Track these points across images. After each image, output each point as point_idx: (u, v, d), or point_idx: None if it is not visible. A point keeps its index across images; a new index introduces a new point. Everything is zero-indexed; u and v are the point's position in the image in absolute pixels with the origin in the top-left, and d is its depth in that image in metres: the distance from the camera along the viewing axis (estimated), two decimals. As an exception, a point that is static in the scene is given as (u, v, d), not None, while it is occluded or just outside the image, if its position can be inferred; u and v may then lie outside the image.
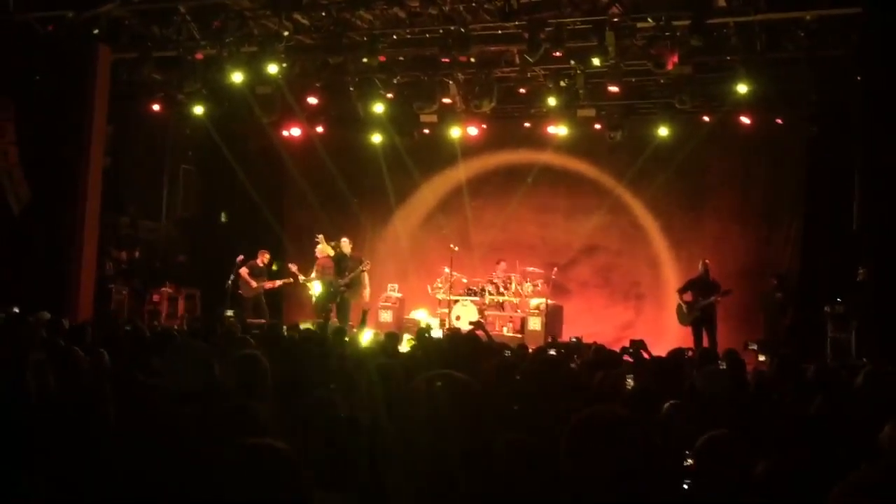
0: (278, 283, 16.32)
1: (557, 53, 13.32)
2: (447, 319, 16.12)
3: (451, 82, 15.38)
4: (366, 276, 15.54)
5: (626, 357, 8.73)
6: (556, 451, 2.31)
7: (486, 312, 16.17)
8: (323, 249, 15.84)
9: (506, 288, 16.49)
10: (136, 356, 5.64)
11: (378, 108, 15.85)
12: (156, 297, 16.90)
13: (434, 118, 16.59)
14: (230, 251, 16.30)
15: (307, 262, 16.12)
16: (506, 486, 1.96)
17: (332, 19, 13.42)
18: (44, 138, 13.98)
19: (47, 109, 13.97)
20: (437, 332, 11.19)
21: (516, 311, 16.43)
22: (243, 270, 15.90)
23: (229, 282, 15.52)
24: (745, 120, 15.47)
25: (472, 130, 17.44)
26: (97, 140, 14.35)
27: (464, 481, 1.64)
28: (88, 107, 14.08)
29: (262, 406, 3.96)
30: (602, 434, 2.42)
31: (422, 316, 16.58)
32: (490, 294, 16.43)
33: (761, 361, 11.54)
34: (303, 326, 12.03)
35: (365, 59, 14.23)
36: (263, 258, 16.28)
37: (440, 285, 16.73)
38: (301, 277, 15.92)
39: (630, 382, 6.68)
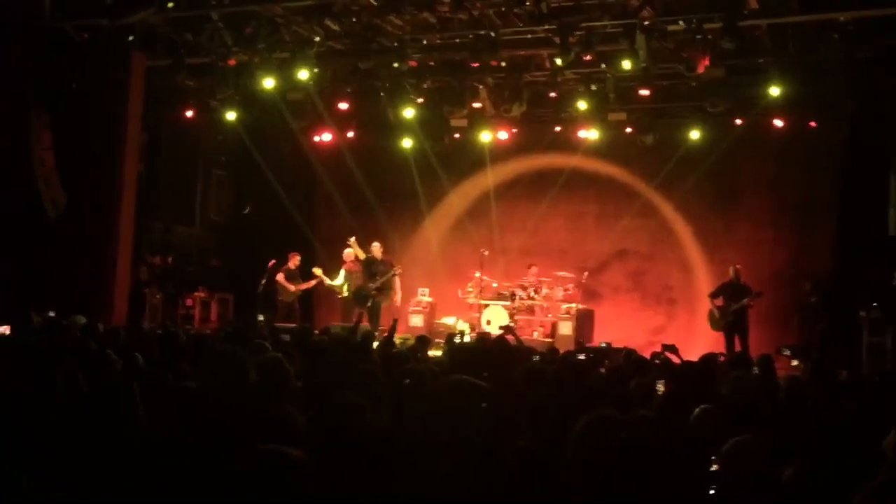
0: (312, 282, 16.37)
1: (588, 57, 13.27)
2: (477, 324, 16.11)
3: (480, 87, 15.39)
4: (397, 281, 15.57)
5: (657, 362, 8.69)
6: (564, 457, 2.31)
7: (517, 317, 16.13)
8: (352, 253, 15.93)
9: (536, 292, 16.45)
10: (167, 360, 5.70)
11: (408, 112, 15.91)
12: (189, 302, 17.07)
13: (464, 122, 16.62)
14: (263, 256, 16.41)
15: (337, 267, 16.22)
16: (516, 492, 1.97)
17: (363, 25, 13.48)
18: (79, 145, 14.19)
19: (83, 116, 14.17)
20: (466, 337, 11.18)
21: (547, 316, 16.38)
22: (280, 276, 16.01)
23: (261, 286, 15.62)
24: (778, 123, 15.33)
25: (503, 135, 17.46)
26: (132, 146, 14.53)
27: (476, 485, 1.65)
28: (123, 113, 14.26)
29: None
30: (604, 437, 2.42)
31: (452, 321, 16.58)
32: (521, 298, 16.40)
33: (794, 367, 11.42)
34: (333, 331, 12.09)
35: (395, 64, 14.30)
36: (295, 261, 16.37)
37: (471, 289, 16.73)
38: (326, 280, 16.02)
39: (661, 388, 6.66)
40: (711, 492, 2.98)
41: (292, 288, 16.09)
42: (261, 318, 13.88)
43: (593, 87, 14.89)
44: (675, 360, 8.57)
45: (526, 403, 4.42)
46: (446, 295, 17.53)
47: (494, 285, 16.85)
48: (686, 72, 12.92)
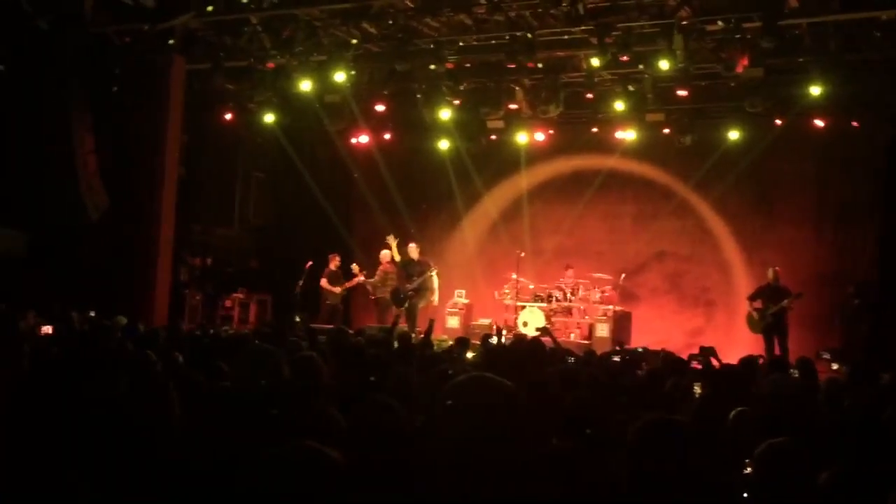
0: (355, 280, 16.41)
1: (625, 58, 13.19)
2: (514, 325, 16.09)
3: (517, 88, 15.37)
4: (435, 281, 15.61)
5: (694, 364, 8.62)
6: (604, 459, 2.31)
7: (554, 318, 16.08)
8: (388, 254, 15.99)
9: (573, 294, 16.39)
10: (205, 360, 5.76)
11: (445, 114, 15.95)
12: (228, 303, 17.25)
13: (501, 124, 16.59)
14: (300, 257, 16.52)
15: (374, 268, 16.30)
16: (545, 494, 1.97)
17: (400, 27, 13.54)
18: (121, 148, 14.42)
19: (124, 120, 14.40)
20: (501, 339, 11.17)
21: (584, 318, 16.31)
22: (323, 281, 16.11)
23: (299, 287, 15.73)
24: (819, 123, 15.12)
25: (539, 136, 17.41)
26: (172, 149, 14.73)
27: (499, 487, 1.65)
28: (164, 117, 14.46)
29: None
30: (662, 441, 2.42)
31: (488, 323, 16.56)
32: (557, 300, 16.35)
33: (835, 370, 11.24)
34: (369, 332, 12.15)
35: (432, 66, 14.36)
36: (335, 262, 16.45)
37: (507, 291, 16.71)
38: (361, 278, 16.10)
39: (698, 390, 6.61)
40: (745, 495, 2.95)
41: (337, 290, 16.19)
42: (298, 318, 13.98)
43: (631, 88, 14.81)
44: (714, 362, 8.50)
45: (560, 405, 4.41)
46: (483, 296, 17.53)
47: (531, 287, 16.81)
48: (725, 72, 12.82)
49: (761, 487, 2.87)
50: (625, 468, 2.54)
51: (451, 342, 11.67)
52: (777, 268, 14.46)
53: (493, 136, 17.62)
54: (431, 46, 13.91)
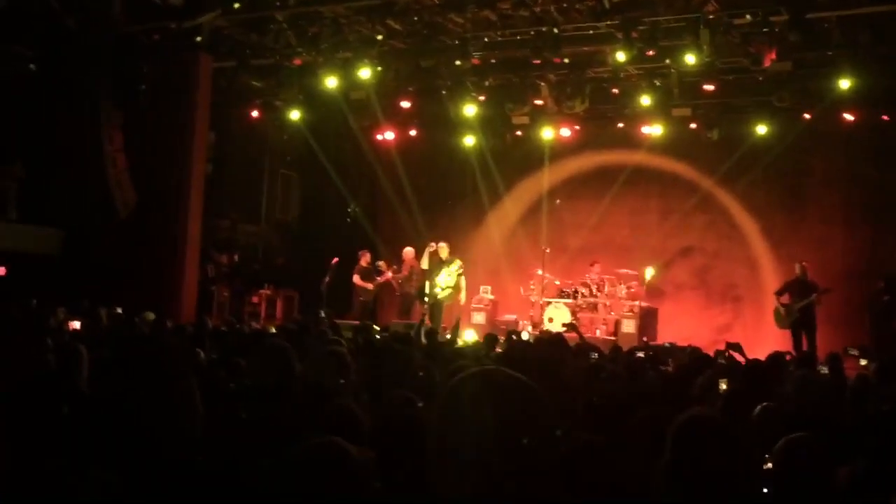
0: (388, 275, 16.44)
1: (651, 52, 13.12)
2: (540, 321, 16.07)
3: (542, 84, 15.32)
4: (462, 280, 15.64)
5: (721, 361, 8.57)
6: (624, 454, 2.32)
7: (579, 314, 16.04)
8: (412, 251, 16.02)
9: (599, 290, 16.34)
10: (227, 355, 5.82)
11: (470, 110, 15.95)
12: (255, 299, 17.35)
13: (526, 120, 16.58)
14: (327, 253, 16.59)
15: (399, 265, 16.35)
16: (567, 488, 1.98)
17: (425, 23, 13.56)
18: (149, 145, 14.56)
19: (152, 118, 14.54)
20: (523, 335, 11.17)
21: (610, 314, 16.24)
22: (355, 277, 16.17)
23: (325, 283, 15.80)
24: (849, 117, 14.96)
25: (565, 131, 17.34)
26: (199, 146, 14.85)
27: (511, 481, 1.66)
28: (191, 114, 14.59)
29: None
30: (702, 438, 2.43)
31: (514, 319, 16.57)
32: (583, 296, 16.30)
33: (863, 367, 11.12)
34: (394, 329, 12.20)
35: (457, 63, 14.34)
36: (366, 258, 16.51)
37: (533, 287, 16.69)
38: (389, 274, 16.14)
39: (723, 385, 6.57)
40: (765, 491, 2.94)
41: (370, 286, 16.24)
42: (323, 314, 14.05)
43: (657, 83, 14.74)
44: (740, 358, 8.45)
45: (581, 400, 4.41)
46: (509, 292, 17.52)
47: (557, 283, 16.77)
48: (752, 66, 12.73)
49: (781, 482, 2.87)
50: (661, 462, 2.55)
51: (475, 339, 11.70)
52: (804, 262, 14.34)
53: (519, 132, 17.60)
54: (456, 42, 13.91)
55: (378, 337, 9.74)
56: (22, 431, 3.19)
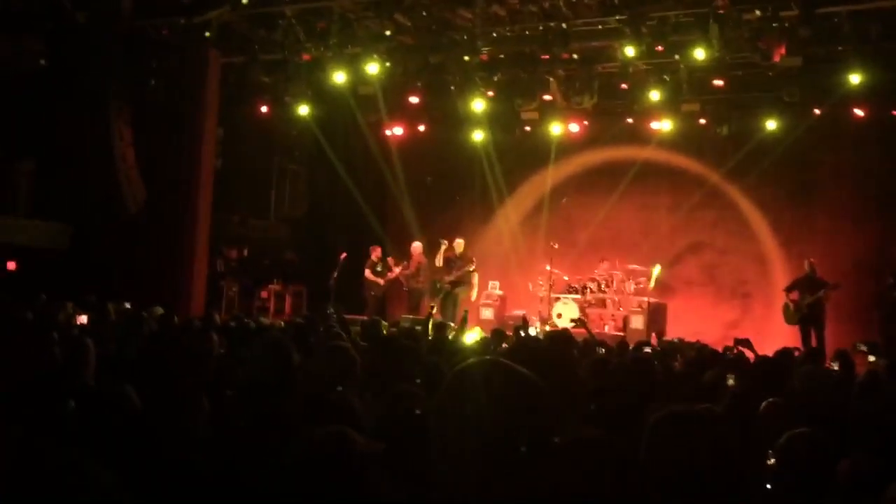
0: (398, 270, 16.45)
1: (660, 47, 13.08)
2: (548, 317, 16.05)
3: (551, 79, 15.26)
4: (475, 277, 15.62)
5: (729, 356, 8.55)
6: (630, 450, 2.30)
7: (588, 310, 16.02)
8: (420, 246, 16.01)
9: (608, 286, 16.32)
10: (234, 350, 5.83)
11: (478, 105, 15.93)
12: (264, 294, 17.39)
13: (535, 115, 16.56)
14: (336, 249, 16.61)
15: (407, 260, 16.36)
16: (568, 484, 1.96)
17: (433, 19, 13.56)
18: (159, 140, 14.60)
19: (162, 113, 14.58)
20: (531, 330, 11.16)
21: (618, 309, 16.22)
22: (367, 272, 16.19)
23: (333, 278, 15.82)
24: (859, 112, 14.87)
25: (573, 127, 17.29)
26: (208, 141, 14.90)
27: (515, 475, 1.65)
28: (200, 109, 14.63)
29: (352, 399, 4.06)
30: (681, 432, 2.38)
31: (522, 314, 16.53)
32: (592, 292, 16.28)
33: (872, 363, 11.08)
34: (403, 323, 12.20)
35: (466, 58, 14.33)
36: (377, 253, 16.52)
37: (541, 283, 16.67)
38: (397, 270, 16.15)
39: (731, 381, 6.56)
40: (767, 486, 2.93)
41: (381, 281, 16.25)
42: (331, 309, 14.08)
43: (666, 78, 14.70)
44: (749, 354, 8.43)
45: (587, 394, 4.41)
46: (517, 288, 17.50)
47: (565, 279, 16.75)
48: (762, 61, 12.66)
49: (783, 477, 2.85)
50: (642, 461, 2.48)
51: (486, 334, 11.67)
52: (813, 259, 14.29)
53: (527, 128, 17.57)
54: (465, 38, 13.90)
55: (385, 332, 9.74)
56: (27, 426, 3.20)
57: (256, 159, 18.86)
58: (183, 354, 5.46)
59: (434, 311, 14.57)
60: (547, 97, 15.61)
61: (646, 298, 15.87)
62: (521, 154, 18.16)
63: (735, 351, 8.85)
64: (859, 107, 14.77)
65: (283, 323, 12.23)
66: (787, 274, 15.55)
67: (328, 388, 3.83)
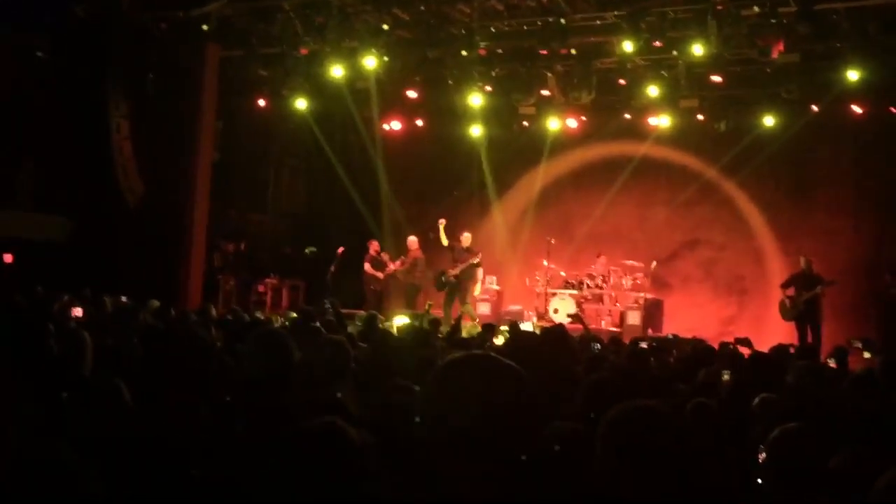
0: (398, 263, 16.44)
1: (658, 43, 13.07)
2: (545, 312, 16.07)
3: (549, 74, 15.26)
4: (479, 272, 15.62)
5: (726, 351, 8.56)
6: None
7: (585, 306, 16.04)
8: (416, 240, 16.00)
9: (605, 281, 16.33)
10: (230, 343, 5.84)
11: (476, 100, 15.93)
12: (261, 288, 17.37)
13: (532, 110, 16.57)
14: (334, 243, 16.60)
15: (403, 255, 16.35)
16: (555, 474, 1.97)
17: (431, 13, 13.53)
18: (156, 134, 14.59)
19: (159, 106, 14.57)
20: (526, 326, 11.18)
21: (615, 305, 16.24)
22: (366, 266, 16.18)
23: (330, 273, 15.82)
24: (857, 109, 14.89)
25: (571, 122, 17.30)
26: (206, 135, 14.89)
27: (498, 465, 1.66)
28: (198, 103, 14.63)
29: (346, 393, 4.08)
30: (635, 429, 2.36)
31: (519, 309, 16.56)
32: (588, 287, 16.30)
33: (868, 359, 11.10)
34: (400, 317, 12.22)
35: (464, 53, 14.30)
36: (375, 247, 16.53)
37: (538, 278, 16.68)
38: (392, 266, 16.15)
39: (726, 377, 6.58)
40: (759, 481, 2.94)
41: (381, 275, 16.25)
42: (328, 303, 14.09)
43: (664, 74, 14.71)
44: (746, 352, 8.43)
45: (577, 390, 4.41)
46: (514, 283, 17.52)
47: (562, 274, 16.77)
48: (760, 57, 12.64)
49: (773, 473, 2.86)
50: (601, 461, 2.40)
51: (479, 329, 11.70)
52: (809, 256, 14.31)
53: (525, 123, 17.58)
54: (463, 32, 13.86)
55: (381, 326, 9.77)
56: (23, 417, 3.21)
57: (254, 153, 18.83)
58: (179, 348, 5.46)
59: (430, 306, 14.62)
60: (545, 92, 15.61)
61: (642, 294, 15.90)
62: (518, 149, 18.16)
63: (731, 348, 8.86)
64: (857, 103, 14.79)
65: (279, 318, 12.25)
66: (785, 271, 15.56)
67: (322, 382, 3.84)
